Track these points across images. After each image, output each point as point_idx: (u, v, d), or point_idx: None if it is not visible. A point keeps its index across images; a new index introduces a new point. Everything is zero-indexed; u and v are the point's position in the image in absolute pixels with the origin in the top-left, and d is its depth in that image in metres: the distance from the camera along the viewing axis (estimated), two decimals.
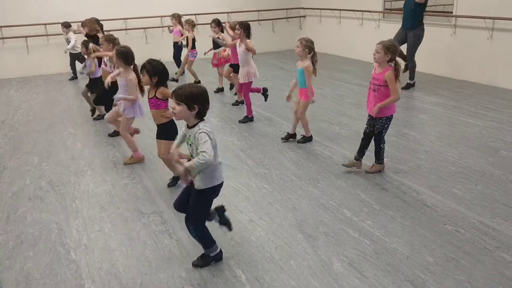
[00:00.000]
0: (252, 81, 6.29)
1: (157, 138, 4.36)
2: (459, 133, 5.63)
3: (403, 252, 3.25)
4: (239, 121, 6.42)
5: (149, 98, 4.20)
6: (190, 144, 2.94)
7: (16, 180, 4.75)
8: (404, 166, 4.70)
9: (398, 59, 4.28)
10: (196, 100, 2.82)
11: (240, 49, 6.21)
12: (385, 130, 4.47)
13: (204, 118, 2.92)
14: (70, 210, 4.07)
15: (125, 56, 4.70)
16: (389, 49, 4.15)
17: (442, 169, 4.61)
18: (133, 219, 3.87)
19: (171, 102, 3.02)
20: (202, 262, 3.19)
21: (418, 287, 2.88)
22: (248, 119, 6.43)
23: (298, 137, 5.57)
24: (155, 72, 4.03)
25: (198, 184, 2.97)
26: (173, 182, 4.48)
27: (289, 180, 4.50)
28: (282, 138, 5.58)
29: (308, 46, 5.02)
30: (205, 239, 3.14)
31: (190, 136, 2.92)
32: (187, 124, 2.95)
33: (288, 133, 5.59)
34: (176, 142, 3.12)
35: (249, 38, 6.15)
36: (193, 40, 8.57)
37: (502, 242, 3.33)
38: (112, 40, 5.73)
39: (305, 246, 3.37)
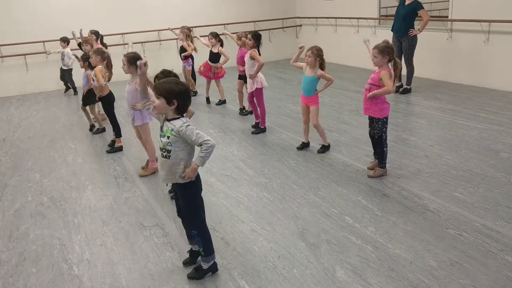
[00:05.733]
0: (262, 88, 6.20)
1: None
2: (459, 137, 5.64)
3: (406, 257, 3.24)
4: (252, 132, 6.32)
5: None
6: (168, 136, 2.86)
7: (18, 197, 4.75)
8: (405, 171, 4.70)
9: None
10: (175, 96, 2.82)
11: (247, 57, 6.24)
12: (385, 134, 4.50)
13: (184, 115, 2.92)
14: (72, 226, 4.06)
15: (135, 61, 4.65)
16: (384, 51, 4.27)
17: (443, 173, 4.60)
18: (134, 232, 3.86)
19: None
20: (198, 274, 3.15)
21: None
22: (261, 130, 6.34)
23: (315, 145, 5.56)
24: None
25: (180, 179, 2.93)
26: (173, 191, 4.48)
27: (290, 188, 4.50)
28: (297, 148, 5.56)
29: (319, 55, 5.07)
30: (208, 245, 3.10)
31: (168, 128, 2.87)
32: (165, 116, 2.93)
33: (302, 142, 5.59)
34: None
35: (258, 49, 6.19)
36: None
37: (505, 244, 3.32)
38: (101, 53, 5.78)
39: (308, 254, 3.36)
